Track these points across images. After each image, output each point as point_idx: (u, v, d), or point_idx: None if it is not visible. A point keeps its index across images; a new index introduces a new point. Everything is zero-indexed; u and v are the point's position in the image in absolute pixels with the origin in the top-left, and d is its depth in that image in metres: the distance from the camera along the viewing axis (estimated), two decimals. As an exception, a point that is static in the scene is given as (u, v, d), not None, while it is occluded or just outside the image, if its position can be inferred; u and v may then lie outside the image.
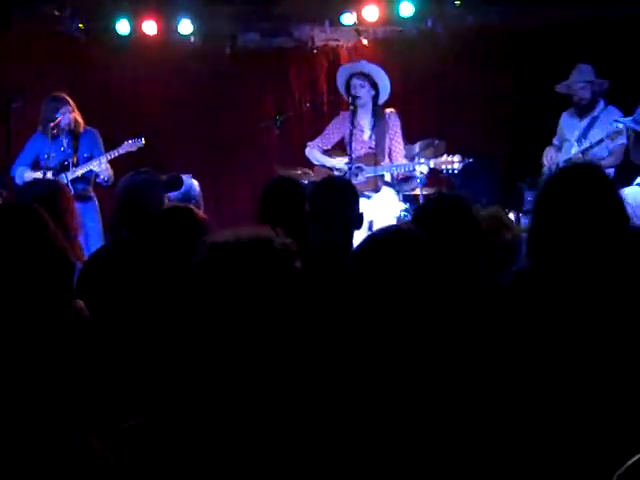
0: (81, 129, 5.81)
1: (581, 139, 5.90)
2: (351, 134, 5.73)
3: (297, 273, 1.49)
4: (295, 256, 1.50)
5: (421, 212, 2.78)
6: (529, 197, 6.44)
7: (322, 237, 3.00)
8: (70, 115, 5.73)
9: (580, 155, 5.71)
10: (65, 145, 5.77)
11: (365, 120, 5.88)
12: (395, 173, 5.87)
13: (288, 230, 3.02)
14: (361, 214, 3.17)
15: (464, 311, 2.30)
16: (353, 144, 5.73)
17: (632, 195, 4.81)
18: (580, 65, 5.94)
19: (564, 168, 2.42)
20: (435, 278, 1.83)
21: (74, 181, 5.65)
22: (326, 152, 6.08)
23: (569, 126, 6.09)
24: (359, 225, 3.15)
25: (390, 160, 5.81)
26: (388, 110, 5.91)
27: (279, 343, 1.44)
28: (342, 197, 3.12)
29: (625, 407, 1.82)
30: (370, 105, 5.84)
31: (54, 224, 3.18)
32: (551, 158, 6.07)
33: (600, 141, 5.65)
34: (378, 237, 1.94)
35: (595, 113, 5.92)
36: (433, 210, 2.67)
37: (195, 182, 5.43)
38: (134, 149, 5.76)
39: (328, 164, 5.98)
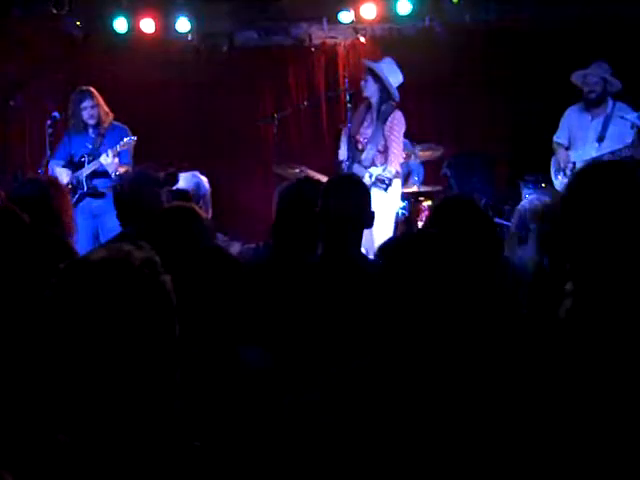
0: (106, 124, 5.78)
1: (601, 138, 5.88)
2: (349, 130, 5.74)
3: (160, 287, 1.40)
4: (157, 270, 1.41)
5: (439, 213, 2.77)
6: (527, 195, 6.45)
7: (333, 235, 3.00)
8: (92, 110, 5.69)
9: (611, 156, 5.63)
10: (90, 141, 5.77)
11: (373, 115, 5.82)
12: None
13: (305, 233, 3.05)
14: (372, 213, 3.15)
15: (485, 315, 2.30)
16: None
17: None
18: (600, 61, 5.91)
19: (594, 166, 2.07)
20: (458, 279, 1.85)
21: (90, 177, 5.65)
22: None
23: (580, 124, 6.05)
24: (370, 224, 3.09)
25: (385, 159, 5.76)
26: (397, 110, 5.78)
27: (144, 361, 1.37)
28: (355, 196, 3.10)
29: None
30: (376, 100, 5.76)
31: (50, 223, 3.20)
32: (566, 158, 6.02)
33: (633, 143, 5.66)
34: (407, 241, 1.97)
35: (608, 111, 5.91)
36: (451, 211, 2.68)
37: (204, 179, 5.37)
38: (126, 147, 5.72)
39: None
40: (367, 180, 5.48)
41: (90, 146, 5.74)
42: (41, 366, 1.51)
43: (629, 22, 6.72)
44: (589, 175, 1.97)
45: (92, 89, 5.77)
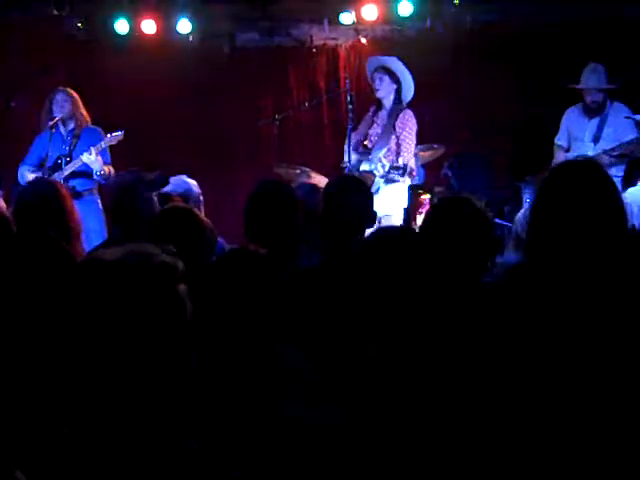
0: (82, 125, 5.72)
1: (597, 138, 5.89)
2: (350, 131, 5.72)
3: (174, 294, 1.38)
4: (176, 276, 1.40)
5: (436, 213, 2.78)
6: (527, 195, 6.46)
7: (335, 237, 3.02)
8: (63, 103, 5.63)
9: (606, 157, 5.64)
10: (64, 142, 5.69)
11: (383, 115, 5.75)
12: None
13: (278, 236, 3.06)
14: (374, 212, 3.17)
15: (459, 311, 2.32)
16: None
17: (634, 195, 4.79)
18: (595, 65, 5.88)
19: (564, 165, 2.34)
20: (428, 274, 1.87)
21: (67, 179, 5.54)
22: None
23: (578, 125, 6.06)
24: (372, 223, 3.12)
25: (396, 156, 5.68)
26: (407, 108, 5.72)
27: (152, 365, 1.36)
28: (357, 197, 3.12)
29: (617, 405, 1.81)
30: (390, 100, 5.72)
31: (56, 224, 3.19)
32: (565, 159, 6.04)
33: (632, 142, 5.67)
34: (381, 236, 2.01)
35: (605, 111, 5.91)
36: (447, 213, 2.70)
37: (194, 182, 5.39)
38: (114, 142, 5.67)
39: None
40: (380, 171, 5.38)
41: (66, 148, 5.66)
42: (48, 360, 1.52)
43: (629, 22, 6.73)
44: (557, 174, 2.23)
45: (69, 89, 5.72)
